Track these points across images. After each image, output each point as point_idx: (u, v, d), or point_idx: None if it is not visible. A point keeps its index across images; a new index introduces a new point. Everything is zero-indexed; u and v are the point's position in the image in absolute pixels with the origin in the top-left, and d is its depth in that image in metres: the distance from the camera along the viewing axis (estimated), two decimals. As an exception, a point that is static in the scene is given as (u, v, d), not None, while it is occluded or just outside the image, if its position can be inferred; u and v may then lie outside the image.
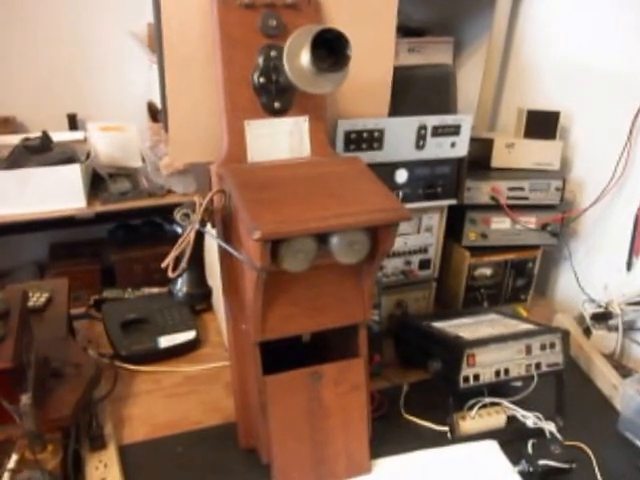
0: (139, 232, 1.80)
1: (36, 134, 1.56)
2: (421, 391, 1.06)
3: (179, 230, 0.84)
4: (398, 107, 1.05)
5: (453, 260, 1.30)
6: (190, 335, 1.18)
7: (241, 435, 0.93)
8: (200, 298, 0.90)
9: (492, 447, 0.95)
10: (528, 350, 0.97)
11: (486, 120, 1.52)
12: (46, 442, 0.80)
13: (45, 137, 1.54)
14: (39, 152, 1.50)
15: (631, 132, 1.17)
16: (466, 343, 0.95)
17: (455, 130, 1.08)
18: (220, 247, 0.86)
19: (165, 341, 1.15)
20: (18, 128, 1.81)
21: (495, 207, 1.24)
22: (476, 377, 0.94)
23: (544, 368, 0.98)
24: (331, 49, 0.80)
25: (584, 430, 0.98)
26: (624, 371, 1.12)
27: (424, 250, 1.22)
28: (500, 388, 1.02)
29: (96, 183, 1.61)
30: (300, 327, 0.86)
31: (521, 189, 1.24)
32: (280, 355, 0.86)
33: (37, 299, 1.12)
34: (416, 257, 1.22)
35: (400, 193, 1.11)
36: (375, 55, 0.98)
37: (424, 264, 1.23)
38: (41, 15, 1.77)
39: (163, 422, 1.00)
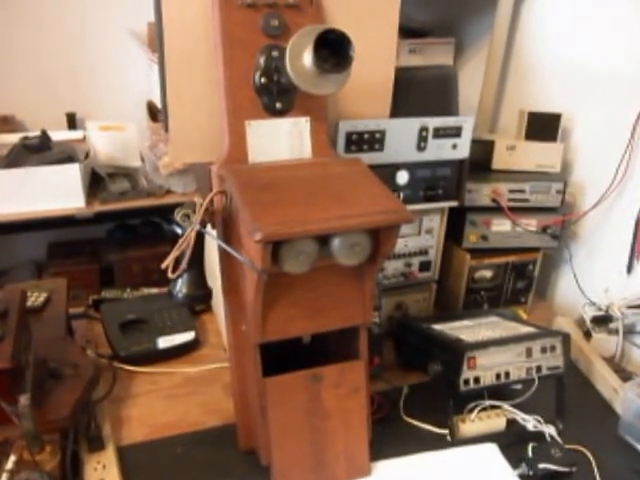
0: (138, 232, 1.79)
1: (35, 133, 1.56)
2: (421, 393, 1.06)
3: (178, 230, 0.83)
4: (399, 108, 1.05)
5: (453, 262, 1.30)
6: (189, 336, 1.18)
7: (240, 436, 0.93)
8: (200, 299, 0.90)
9: (492, 450, 0.94)
10: (529, 353, 0.97)
11: (487, 122, 1.52)
12: (44, 443, 0.79)
13: (44, 136, 1.54)
14: (38, 151, 1.50)
15: (632, 135, 1.16)
16: (467, 346, 0.95)
17: (456, 132, 1.08)
18: (220, 248, 0.85)
19: (164, 342, 1.15)
20: (17, 127, 1.81)
21: (496, 209, 1.23)
22: (476, 380, 0.94)
23: (544, 371, 0.98)
24: (334, 50, 0.80)
25: (584, 434, 0.98)
26: (624, 374, 1.12)
27: (424, 252, 1.21)
28: (500, 391, 1.02)
29: (95, 182, 1.60)
30: (300, 329, 0.86)
31: (522, 191, 1.24)
32: (280, 357, 0.86)
33: (36, 299, 1.11)
34: (416, 259, 1.21)
35: (401, 195, 1.10)
36: (377, 56, 0.98)
37: (424, 266, 1.23)
38: (41, 14, 1.77)
39: (162, 423, 0.99)
